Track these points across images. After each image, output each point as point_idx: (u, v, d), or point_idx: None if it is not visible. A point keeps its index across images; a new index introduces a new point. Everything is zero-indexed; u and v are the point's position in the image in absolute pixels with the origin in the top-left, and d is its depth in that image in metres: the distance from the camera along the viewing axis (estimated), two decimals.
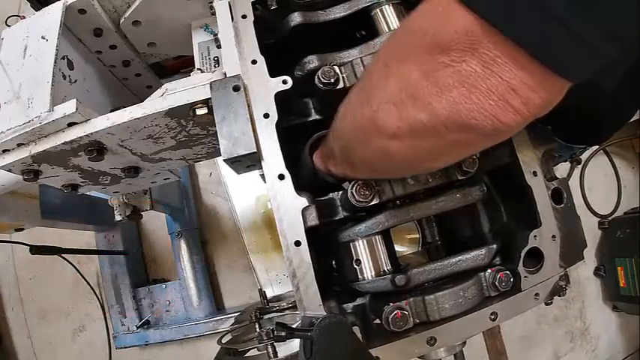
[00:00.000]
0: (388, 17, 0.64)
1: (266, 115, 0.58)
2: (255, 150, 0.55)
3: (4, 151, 0.66)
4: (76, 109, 0.62)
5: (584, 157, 1.81)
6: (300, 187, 0.57)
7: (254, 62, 0.61)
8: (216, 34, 0.73)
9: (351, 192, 0.58)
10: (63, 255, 1.37)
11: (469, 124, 0.36)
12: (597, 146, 1.80)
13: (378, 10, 0.65)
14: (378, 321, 0.59)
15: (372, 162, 0.51)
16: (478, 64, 0.33)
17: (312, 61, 0.62)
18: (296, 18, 0.65)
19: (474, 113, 0.35)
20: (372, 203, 0.59)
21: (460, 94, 0.35)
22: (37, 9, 0.86)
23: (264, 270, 1.57)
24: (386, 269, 0.61)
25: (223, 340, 0.97)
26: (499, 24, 0.31)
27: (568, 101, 0.36)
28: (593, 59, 0.31)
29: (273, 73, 0.60)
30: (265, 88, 0.59)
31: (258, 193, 1.58)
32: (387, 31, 0.64)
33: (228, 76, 0.61)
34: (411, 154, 0.44)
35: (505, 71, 0.33)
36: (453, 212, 0.63)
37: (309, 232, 0.56)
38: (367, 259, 0.61)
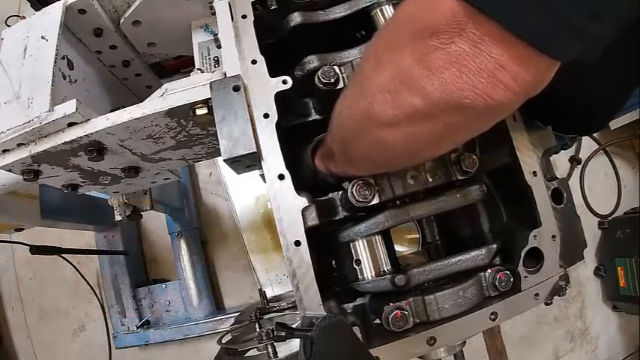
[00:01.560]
0: (388, 17, 0.64)
1: (266, 115, 0.58)
2: (255, 150, 0.55)
3: (4, 151, 0.66)
4: (76, 109, 0.62)
5: (584, 157, 1.81)
6: (300, 187, 0.57)
7: (254, 62, 0.61)
8: (216, 34, 0.73)
9: (351, 192, 0.58)
10: (63, 255, 1.37)
11: (462, 103, 0.36)
12: (597, 146, 1.80)
13: (378, 10, 0.65)
14: (378, 321, 0.59)
15: (370, 155, 0.51)
16: (466, 44, 0.34)
17: (312, 61, 0.62)
18: (296, 18, 0.65)
19: (465, 92, 0.35)
20: (372, 203, 0.59)
21: (451, 74, 0.35)
22: (37, 9, 0.86)
23: (264, 270, 1.57)
24: (386, 269, 0.61)
25: (223, 340, 0.97)
26: (482, 6, 0.32)
27: (557, 87, 0.37)
28: (577, 38, 0.32)
29: (273, 73, 0.60)
30: (265, 88, 0.59)
31: (258, 193, 1.58)
32: None
33: (228, 76, 0.61)
34: (407, 142, 0.44)
35: (493, 49, 0.33)
36: (453, 212, 0.63)
37: (309, 232, 0.56)
38: (367, 259, 0.61)
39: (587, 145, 1.81)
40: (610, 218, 1.78)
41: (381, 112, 0.42)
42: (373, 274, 0.61)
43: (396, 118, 0.41)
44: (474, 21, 0.33)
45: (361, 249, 0.61)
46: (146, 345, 1.66)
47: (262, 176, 0.58)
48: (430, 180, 0.61)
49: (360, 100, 0.45)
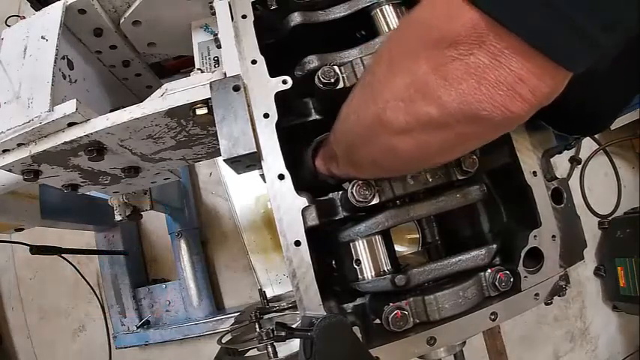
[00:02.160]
0: (388, 17, 0.64)
1: (266, 115, 0.58)
2: (255, 150, 0.55)
3: (4, 151, 0.66)
4: (76, 109, 0.62)
5: (584, 157, 1.81)
6: (300, 187, 0.57)
7: (254, 62, 0.61)
8: (216, 34, 0.73)
9: (351, 192, 0.58)
10: (63, 255, 1.37)
11: (480, 115, 0.36)
12: (597, 146, 1.80)
13: (378, 10, 0.65)
14: (378, 321, 0.59)
15: (378, 160, 0.51)
16: (486, 57, 0.34)
17: (312, 61, 0.62)
18: (296, 18, 0.65)
19: (483, 104, 0.35)
20: (372, 203, 0.59)
21: (470, 86, 0.35)
22: (37, 9, 0.86)
23: (264, 270, 1.57)
24: (386, 269, 0.61)
25: (223, 340, 0.97)
26: (503, 20, 0.32)
27: (565, 92, 0.37)
28: (591, 50, 0.32)
29: (273, 73, 0.60)
30: (265, 88, 0.59)
31: (258, 193, 1.58)
32: (387, 31, 0.64)
33: (228, 76, 0.61)
34: (418, 150, 0.44)
35: (513, 62, 0.33)
36: (453, 212, 0.63)
37: (309, 232, 0.56)
38: (367, 259, 0.61)
39: (587, 145, 1.81)
40: (610, 218, 1.78)
41: (394, 119, 0.42)
42: (373, 274, 0.61)
43: (409, 126, 0.41)
44: (495, 34, 0.33)
45: (361, 249, 0.61)
46: (146, 345, 1.66)
47: (262, 176, 0.58)
48: (430, 180, 0.61)
49: (370, 106, 0.45)
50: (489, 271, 0.61)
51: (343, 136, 0.54)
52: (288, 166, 0.57)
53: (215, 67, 0.82)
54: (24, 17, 0.76)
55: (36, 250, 1.25)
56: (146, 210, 1.22)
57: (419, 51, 0.38)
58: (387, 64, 0.43)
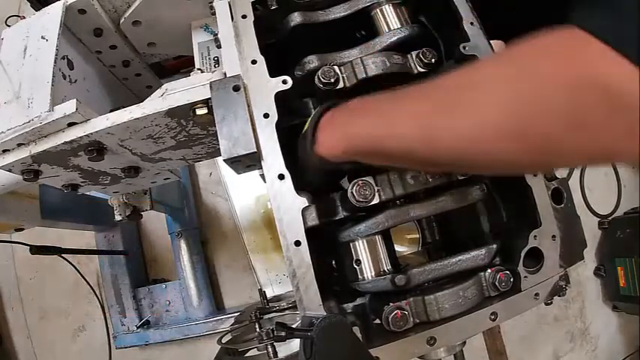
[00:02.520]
0: (388, 17, 0.64)
1: (266, 115, 0.58)
2: (255, 150, 0.55)
3: (4, 151, 0.66)
4: (76, 109, 0.62)
5: None
6: (300, 187, 0.57)
7: (254, 62, 0.61)
8: (216, 34, 0.73)
9: (351, 192, 0.58)
10: (63, 255, 1.38)
11: None
12: None
13: (377, 10, 0.65)
14: (378, 321, 0.59)
15: (477, 166, 0.53)
16: None
17: (312, 61, 0.62)
18: (296, 18, 0.65)
19: None
20: (372, 203, 0.58)
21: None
22: (37, 9, 0.86)
23: (264, 270, 1.57)
24: (386, 269, 0.61)
25: (223, 340, 0.97)
26: None
27: None
28: None
29: (273, 73, 0.60)
30: (265, 88, 0.59)
31: (258, 193, 1.58)
32: (387, 30, 0.64)
33: (228, 76, 0.61)
34: None
35: None
36: (453, 212, 0.63)
37: (309, 232, 0.56)
38: (367, 259, 0.61)
39: None
40: (610, 218, 1.78)
41: (623, 153, 0.44)
42: (373, 274, 0.61)
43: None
44: None
45: (361, 249, 0.61)
46: (146, 345, 1.67)
47: (262, 176, 0.58)
48: (430, 180, 0.60)
49: (535, 152, 0.45)
50: (489, 271, 0.61)
51: (437, 152, 0.50)
52: (288, 166, 0.57)
53: (215, 67, 0.82)
54: (24, 17, 0.76)
55: (36, 250, 1.25)
56: (146, 210, 1.22)
57: (609, 115, 0.40)
58: (608, 105, 0.43)
